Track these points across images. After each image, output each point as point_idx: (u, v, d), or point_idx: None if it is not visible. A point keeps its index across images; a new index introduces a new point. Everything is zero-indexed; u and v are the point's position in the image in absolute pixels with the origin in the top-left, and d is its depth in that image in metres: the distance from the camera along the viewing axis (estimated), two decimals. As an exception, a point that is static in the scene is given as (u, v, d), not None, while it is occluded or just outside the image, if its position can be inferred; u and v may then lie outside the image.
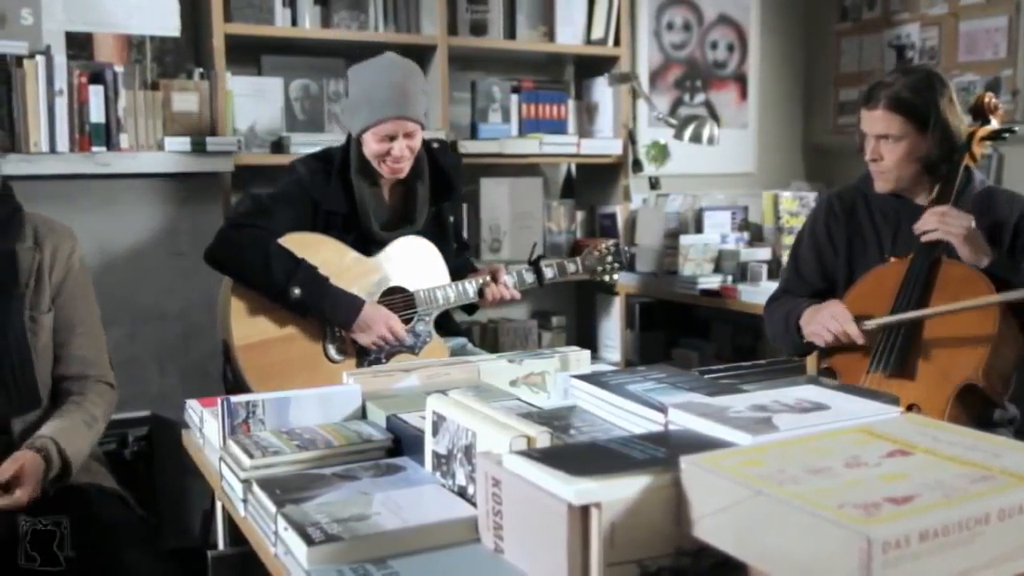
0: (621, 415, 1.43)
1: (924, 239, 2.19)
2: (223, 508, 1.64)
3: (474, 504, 1.24)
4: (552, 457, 1.09)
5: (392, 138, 2.50)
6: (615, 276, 2.95)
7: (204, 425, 1.73)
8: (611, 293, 3.78)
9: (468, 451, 1.27)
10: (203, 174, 2.81)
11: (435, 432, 1.37)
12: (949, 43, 3.99)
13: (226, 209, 2.90)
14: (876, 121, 2.25)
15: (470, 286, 2.66)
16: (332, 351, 2.47)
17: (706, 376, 1.62)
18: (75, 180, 2.63)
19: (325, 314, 2.42)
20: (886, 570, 0.84)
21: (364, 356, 2.50)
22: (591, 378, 1.55)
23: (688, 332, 3.93)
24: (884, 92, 2.22)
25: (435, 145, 2.75)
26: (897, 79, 2.24)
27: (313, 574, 1.10)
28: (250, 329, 2.40)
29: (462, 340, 2.82)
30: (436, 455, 1.37)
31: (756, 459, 1.05)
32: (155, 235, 2.76)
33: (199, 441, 1.77)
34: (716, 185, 4.20)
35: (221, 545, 1.67)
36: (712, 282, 3.51)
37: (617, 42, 3.77)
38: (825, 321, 2.21)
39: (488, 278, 2.68)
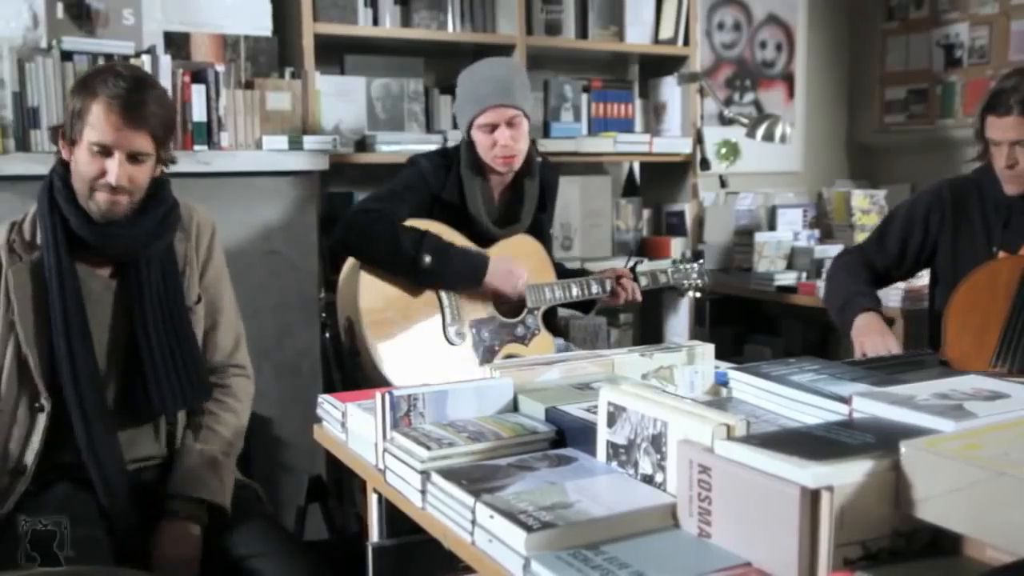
0: (791, 405, 1.46)
1: None
2: (379, 499, 1.66)
3: (663, 491, 1.26)
4: (771, 444, 1.12)
5: (495, 127, 2.55)
6: (697, 293, 3.11)
7: (348, 419, 1.74)
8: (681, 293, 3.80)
9: (656, 440, 1.30)
10: (295, 172, 2.84)
11: (611, 423, 1.39)
12: (1000, 43, 4.00)
13: (319, 208, 2.93)
14: (1010, 128, 2.27)
15: (595, 284, 2.73)
16: (451, 333, 2.51)
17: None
18: (173, 178, 2.66)
19: (456, 275, 2.48)
20: None
21: (480, 340, 2.55)
22: (753, 370, 1.57)
23: (757, 329, 3.95)
24: (1015, 98, 2.25)
25: (538, 159, 2.80)
26: (1021, 83, 2.26)
27: (533, 560, 1.12)
28: (376, 306, 2.44)
29: (560, 341, 2.86)
30: (612, 445, 1.39)
31: (973, 443, 1.08)
32: (250, 233, 2.78)
33: (340, 436, 1.78)
34: (760, 184, 4.21)
35: (376, 536, 1.69)
36: (788, 278, 3.53)
37: (686, 41, 3.79)
38: (876, 347, 2.32)
39: (613, 281, 2.77)
